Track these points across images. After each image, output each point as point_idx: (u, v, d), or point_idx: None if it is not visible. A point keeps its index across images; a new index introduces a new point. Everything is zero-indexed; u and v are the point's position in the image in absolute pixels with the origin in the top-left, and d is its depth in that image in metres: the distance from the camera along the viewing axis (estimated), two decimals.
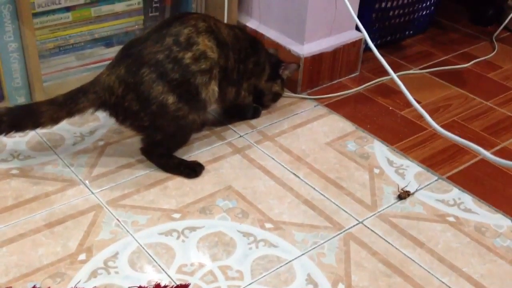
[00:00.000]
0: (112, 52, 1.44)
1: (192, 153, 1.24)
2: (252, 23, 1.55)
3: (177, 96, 1.08)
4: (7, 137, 1.24)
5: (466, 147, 1.04)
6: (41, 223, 1.04)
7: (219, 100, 1.20)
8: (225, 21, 1.50)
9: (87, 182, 1.14)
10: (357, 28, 1.26)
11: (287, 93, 1.47)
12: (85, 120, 1.30)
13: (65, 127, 1.28)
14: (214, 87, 1.13)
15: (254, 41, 1.30)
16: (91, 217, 1.05)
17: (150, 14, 1.50)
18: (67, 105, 1.09)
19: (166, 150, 1.18)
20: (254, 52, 1.26)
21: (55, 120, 1.10)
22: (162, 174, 1.17)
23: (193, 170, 1.18)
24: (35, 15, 1.29)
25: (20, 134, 1.24)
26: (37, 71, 1.28)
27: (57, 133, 1.27)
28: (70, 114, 1.10)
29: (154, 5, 1.49)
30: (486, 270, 1.00)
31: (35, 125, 1.10)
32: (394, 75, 1.14)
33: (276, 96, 1.39)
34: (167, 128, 1.12)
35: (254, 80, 1.29)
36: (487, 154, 0.98)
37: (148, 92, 1.07)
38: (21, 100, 1.31)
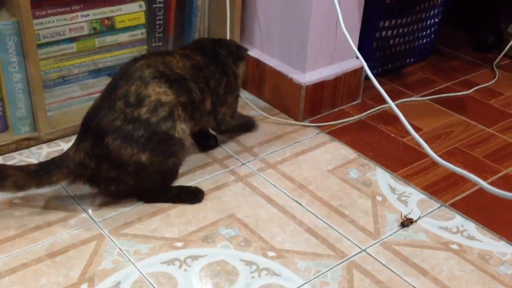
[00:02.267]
0: None
1: (195, 181, 1.24)
2: (254, 52, 1.57)
3: (149, 151, 1.07)
4: None
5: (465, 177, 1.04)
6: (43, 252, 1.03)
7: (196, 129, 1.20)
8: None
9: (89, 211, 1.14)
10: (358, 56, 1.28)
11: (289, 120, 1.48)
12: None
13: None
14: (181, 126, 1.11)
15: (216, 57, 1.23)
16: (93, 246, 1.05)
17: (154, 44, 1.52)
18: (39, 175, 1.06)
19: (159, 190, 1.18)
20: (222, 72, 1.22)
21: (20, 187, 1.07)
22: (164, 203, 1.17)
23: (195, 196, 1.18)
24: (40, 46, 1.31)
25: (24, 161, 1.26)
26: (41, 101, 1.30)
27: None
28: (40, 184, 1.07)
29: (157, 35, 1.51)
30: None
31: None
32: (392, 104, 1.15)
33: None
34: (151, 177, 1.12)
35: (232, 97, 1.26)
36: (485, 184, 0.98)
37: (119, 158, 1.06)
38: (25, 129, 1.32)
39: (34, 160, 1.28)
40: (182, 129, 1.12)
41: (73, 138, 1.34)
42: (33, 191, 1.18)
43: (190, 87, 1.14)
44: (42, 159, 1.28)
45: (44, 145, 1.33)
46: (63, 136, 1.36)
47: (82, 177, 1.10)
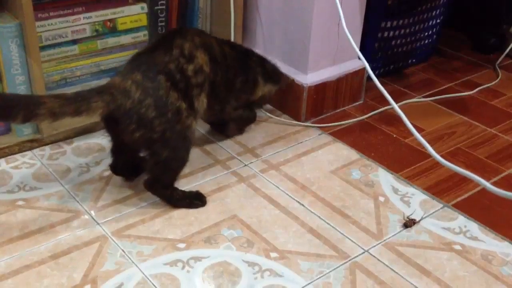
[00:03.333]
0: None
1: (197, 183, 1.24)
2: None
3: (187, 103, 1.11)
4: (13, 169, 1.25)
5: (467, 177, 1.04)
6: (46, 254, 1.04)
7: (205, 113, 1.21)
8: None
9: (92, 212, 1.14)
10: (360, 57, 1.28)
11: (291, 121, 1.48)
12: (90, 150, 1.32)
13: (71, 158, 1.30)
14: (203, 99, 1.16)
15: (244, 57, 1.32)
16: (96, 247, 1.05)
17: None
18: (77, 101, 1.01)
19: (169, 175, 1.16)
20: (243, 70, 1.29)
21: (56, 116, 0.99)
22: (167, 204, 1.17)
23: (200, 200, 1.18)
24: (42, 48, 1.31)
25: (27, 163, 1.26)
26: None
27: (63, 164, 1.28)
28: (77, 112, 1.01)
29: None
30: None
31: (27, 115, 0.97)
32: (395, 105, 1.15)
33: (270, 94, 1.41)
34: (174, 141, 1.10)
35: (244, 97, 1.33)
36: (488, 185, 0.98)
37: (166, 98, 1.08)
38: (28, 131, 1.32)
39: (37, 162, 1.28)
40: (202, 101, 1.16)
41: (75, 140, 1.36)
42: (35, 192, 1.18)
43: (217, 71, 1.20)
44: (45, 161, 1.28)
45: (47, 147, 1.33)
46: (65, 138, 1.36)
47: (119, 110, 1.05)
